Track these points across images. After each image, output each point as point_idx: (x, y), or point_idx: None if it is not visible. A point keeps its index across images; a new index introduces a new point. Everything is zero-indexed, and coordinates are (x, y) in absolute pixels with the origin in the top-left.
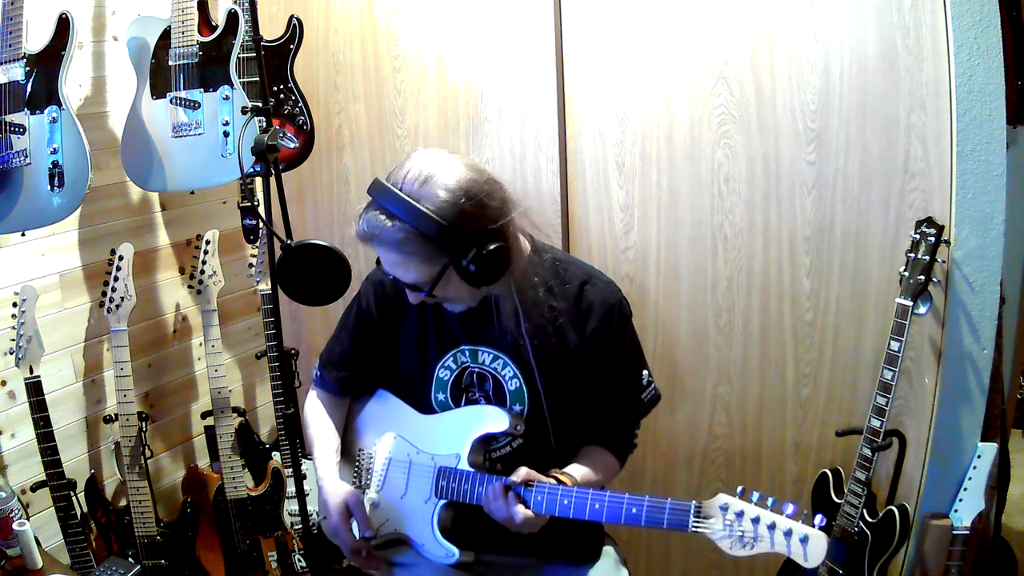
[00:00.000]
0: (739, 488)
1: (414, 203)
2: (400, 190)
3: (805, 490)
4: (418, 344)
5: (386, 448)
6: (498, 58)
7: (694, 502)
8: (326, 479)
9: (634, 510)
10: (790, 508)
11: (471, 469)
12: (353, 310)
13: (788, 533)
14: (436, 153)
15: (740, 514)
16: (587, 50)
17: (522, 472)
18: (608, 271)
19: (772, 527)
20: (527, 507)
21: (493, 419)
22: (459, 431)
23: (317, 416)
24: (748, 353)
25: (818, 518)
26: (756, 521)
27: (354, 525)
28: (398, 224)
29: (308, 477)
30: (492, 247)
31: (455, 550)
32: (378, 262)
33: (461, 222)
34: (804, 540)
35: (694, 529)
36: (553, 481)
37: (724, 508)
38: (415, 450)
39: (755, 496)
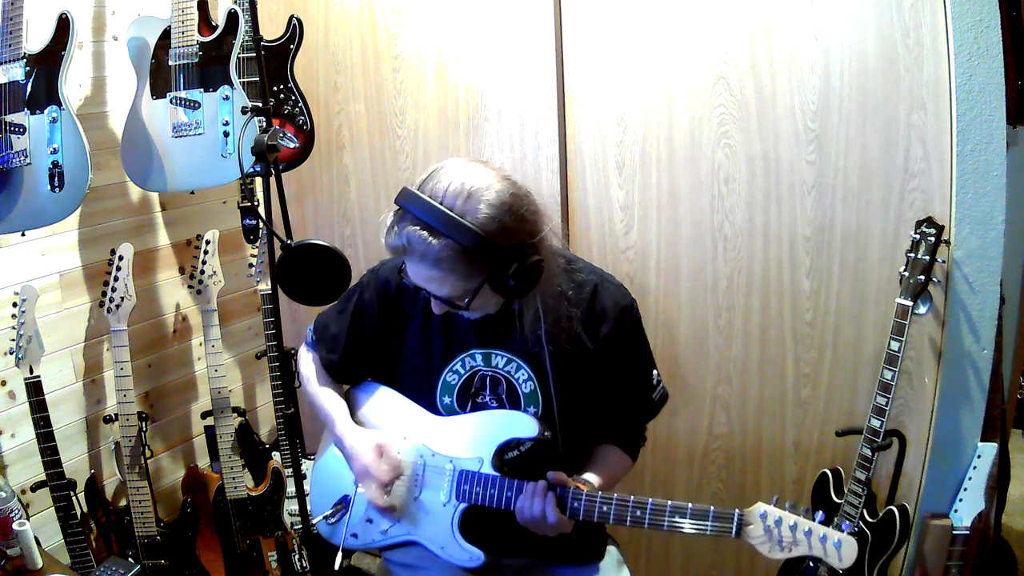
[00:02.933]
0: (774, 497)
1: (459, 219)
2: (441, 204)
3: (805, 490)
4: (424, 348)
5: (397, 448)
6: (498, 58)
7: (737, 511)
8: (347, 428)
9: (678, 518)
10: (820, 515)
11: (496, 473)
12: (354, 298)
13: (824, 538)
14: (470, 165)
15: (778, 521)
16: (587, 50)
17: (556, 474)
18: (608, 271)
19: (809, 533)
20: (563, 511)
21: (521, 424)
22: (483, 435)
23: (318, 379)
24: (748, 353)
25: (846, 525)
26: (794, 528)
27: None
28: (443, 241)
29: (307, 477)
30: (532, 261)
31: (480, 553)
32: (400, 269)
33: (504, 238)
34: (838, 544)
35: (737, 535)
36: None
37: (763, 516)
38: (430, 452)
39: (787, 504)
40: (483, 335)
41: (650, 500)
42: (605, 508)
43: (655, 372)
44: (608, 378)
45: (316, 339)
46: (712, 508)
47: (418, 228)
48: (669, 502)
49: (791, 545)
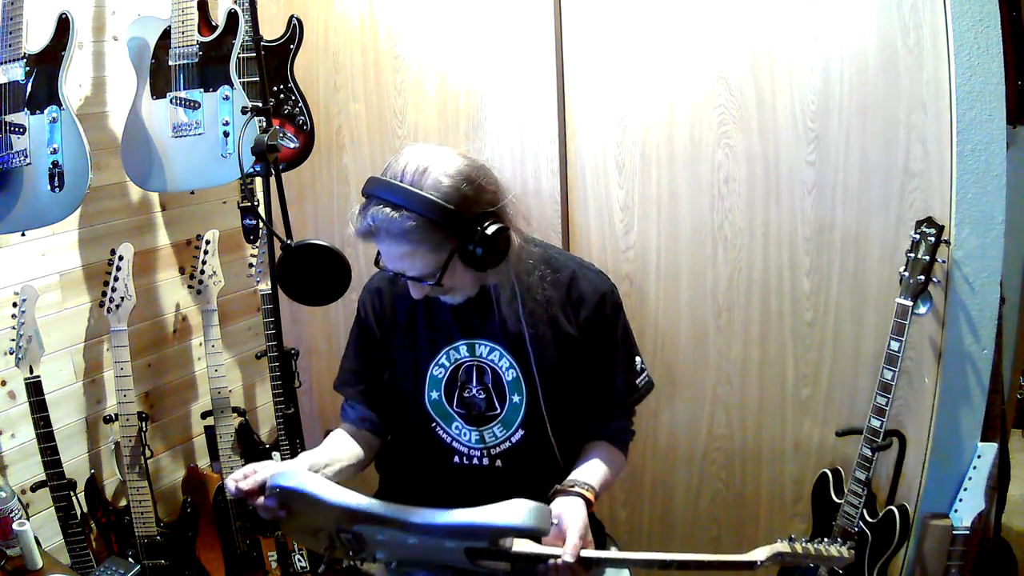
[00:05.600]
0: (791, 536)
1: (418, 191)
2: (401, 182)
3: (805, 490)
4: (411, 346)
5: (377, 534)
6: (498, 58)
7: (758, 561)
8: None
9: (703, 569)
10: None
11: (507, 547)
12: (356, 324)
13: (828, 558)
14: (427, 146)
15: (792, 554)
16: (587, 50)
17: (572, 544)
18: (608, 271)
19: (816, 554)
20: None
21: (522, 527)
22: (481, 531)
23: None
24: (748, 353)
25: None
26: (804, 555)
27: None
28: (405, 213)
29: None
30: (495, 228)
31: (504, 565)
32: (377, 263)
33: (465, 206)
34: (840, 559)
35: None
36: (584, 508)
37: (780, 557)
38: (422, 539)
39: (803, 539)
40: (466, 325)
41: (677, 555)
42: (634, 560)
43: (639, 358)
44: (592, 363)
45: (340, 384)
46: (733, 560)
47: (382, 206)
48: (693, 555)
49: (799, 564)
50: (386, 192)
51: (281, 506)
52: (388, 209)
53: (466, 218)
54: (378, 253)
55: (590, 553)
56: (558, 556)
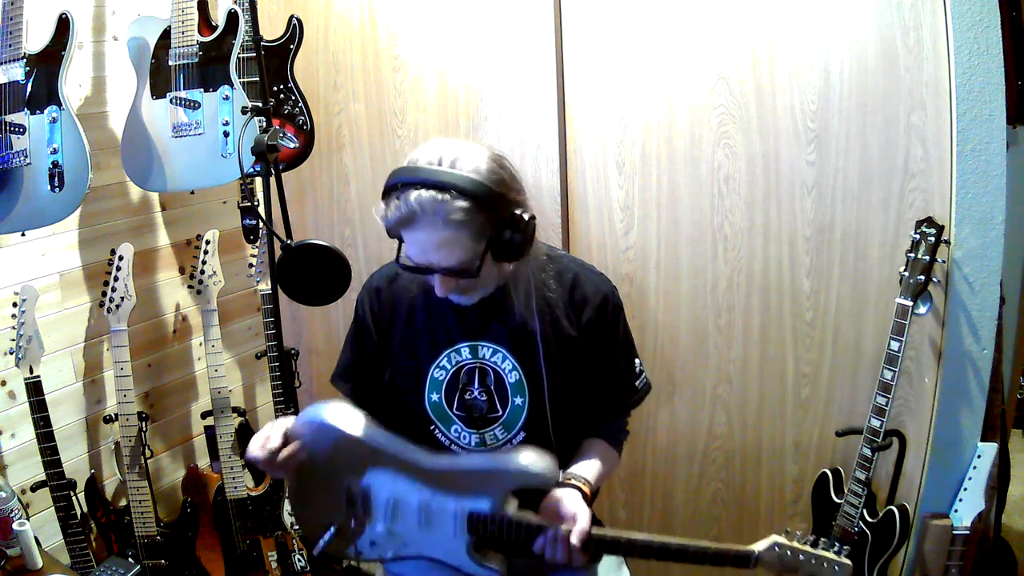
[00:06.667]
0: (786, 530)
1: (465, 173)
2: (440, 167)
3: (805, 490)
4: (410, 347)
5: (387, 488)
6: (498, 58)
7: (755, 552)
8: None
9: (700, 555)
10: (823, 541)
11: (509, 514)
12: (355, 318)
13: (825, 563)
14: (448, 139)
15: (789, 553)
16: (587, 50)
17: (581, 528)
18: (608, 271)
19: (814, 559)
20: (586, 553)
21: (532, 471)
22: (490, 479)
23: None
24: (748, 353)
25: (840, 548)
26: (802, 558)
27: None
28: (455, 193)
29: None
30: (530, 215)
31: (498, 569)
32: (397, 259)
33: (504, 190)
34: (838, 567)
35: (754, 567)
36: (582, 499)
37: (777, 547)
38: (430, 492)
39: (797, 534)
40: (468, 327)
41: (673, 541)
42: (629, 548)
43: (638, 361)
44: (592, 364)
45: (335, 377)
46: (732, 550)
47: (426, 190)
48: (691, 544)
49: (798, 569)
50: (429, 176)
51: (302, 450)
52: (434, 192)
53: (508, 201)
54: (399, 248)
55: (596, 531)
56: (556, 527)
